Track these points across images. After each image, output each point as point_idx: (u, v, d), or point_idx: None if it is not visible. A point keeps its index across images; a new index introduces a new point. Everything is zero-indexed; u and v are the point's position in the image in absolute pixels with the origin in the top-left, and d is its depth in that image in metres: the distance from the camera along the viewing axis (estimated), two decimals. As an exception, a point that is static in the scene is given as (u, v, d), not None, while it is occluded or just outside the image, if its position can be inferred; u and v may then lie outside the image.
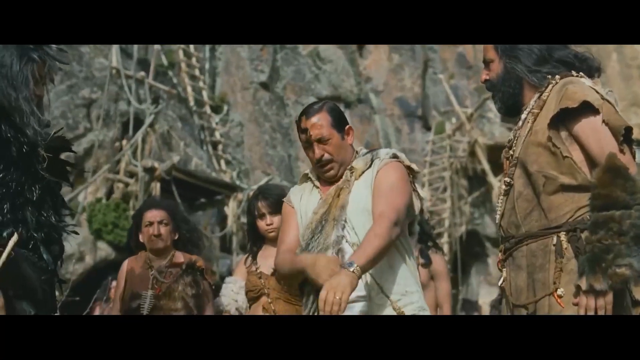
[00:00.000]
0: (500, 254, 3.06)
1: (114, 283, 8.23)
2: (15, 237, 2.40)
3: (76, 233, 2.90)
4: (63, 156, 2.85)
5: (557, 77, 2.97)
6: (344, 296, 2.89)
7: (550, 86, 2.96)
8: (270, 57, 18.02)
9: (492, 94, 3.14)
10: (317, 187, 3.42)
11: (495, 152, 18.35)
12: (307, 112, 3.38)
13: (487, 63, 3.12)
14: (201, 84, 16.42)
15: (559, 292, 2.78)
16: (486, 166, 18.26)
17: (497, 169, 18.40)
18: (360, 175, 3.33)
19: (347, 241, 3.24)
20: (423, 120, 20.47)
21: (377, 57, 20.42)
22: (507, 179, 3.02)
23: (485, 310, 15.77)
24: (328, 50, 19.12)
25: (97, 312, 7.59)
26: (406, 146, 19.55)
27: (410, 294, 3.25)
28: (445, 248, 17.07)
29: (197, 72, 16.44)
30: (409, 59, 20.70)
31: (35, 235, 2.59)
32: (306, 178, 3.50)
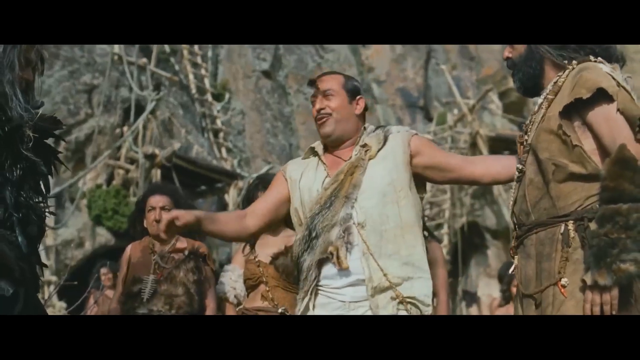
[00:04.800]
0: (513, 241, 3.01)
1: (103, 270, 8.32)
2: None
3: (53, 214, 2.87)
4: (51, 141, 2.83)
5: (574, 62, 2.90)
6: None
7: (567, 71, 2.90)
8: (273, 46, 17.98)
9: (512, 72, 3.07)
10: (324, 164, 3.37)
11: (496, 144, 18.34)
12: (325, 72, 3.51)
13: None
14: (203, 71, 16.40)
15: (563, 281, 2.73)
16: (487, 158, 18.21)
17: (498, 160, 18.36)
18: (376, 154, 3.30)
19: (353, 222, 3.20)
20: (425, 111, 20.45)
21: (380, 48, 20.38)
22: (520, 166, 2.97)
23: (484, 302, 15.77)
24: (331, 39, 19.09)
25: (91, 301, 7.64)
26: (407, 137, 19.53)
27: (411, 280, 3.20)
28: (445, 239, 17.08)
29: (199, 60, 16.41)
30: (411, 49, 20.65)
31: (13, 215, 2.58)
32: (312, 152, 3.46)
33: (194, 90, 16.00)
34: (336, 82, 3.40)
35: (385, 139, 3.33)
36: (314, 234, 3.23)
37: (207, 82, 16.37)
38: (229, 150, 16.07)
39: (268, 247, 4.69)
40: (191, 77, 16.05)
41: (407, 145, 3.29)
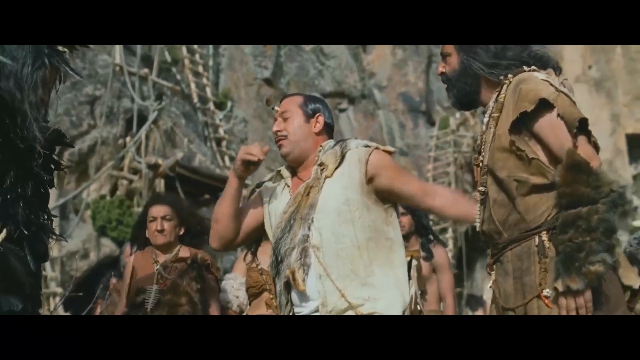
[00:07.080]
0: (488, 259, 3.02)
1: (113, 280, 8.28)
2: (4, 233, 2.42)
3: (61, 238, 2.87)
4: (55, 155, 2.85)
5: (510, 75, 2.91)
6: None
7: (505, 86, 2.91)
8: (274, 53, 18.01)
9: (447, 88, 3.08)
10: (288, 186, 3.34)
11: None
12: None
13: (444, 56, 3.07)
14: (205, 80, 16.41)
15: (545, 292, 2.74)
16: (490, 161, 18.21)
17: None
18: (332, 173, 3.23)
19: (309, 243, 3.15)
20: (427, 115, 20.46)
21: (381, 53, 20.40)
22: (482, 188, 2.96)
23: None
24: (331, 45, 19.10)
25: (98, 311, 7.60)
26: (410, 141, 19.54)
27: (373, 301, 3.11)
28: (450, 243, 17.07)
29: (200, 69, 16.42)
30: (412, 54, 20.67)
31: (25, 231, 2.59)
32: (279, 175, 3.43)
33: (195, 100, 16.01)
34: (294, 103, 3.39)
35: (343, 156, 3.26)
36: (279, 259, 3.21)
37: (208, 91, 16.38)
38: (232, 159, 16.07)
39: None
40: (193, 86, 16.06)
41: (365, 164, 3.20)
